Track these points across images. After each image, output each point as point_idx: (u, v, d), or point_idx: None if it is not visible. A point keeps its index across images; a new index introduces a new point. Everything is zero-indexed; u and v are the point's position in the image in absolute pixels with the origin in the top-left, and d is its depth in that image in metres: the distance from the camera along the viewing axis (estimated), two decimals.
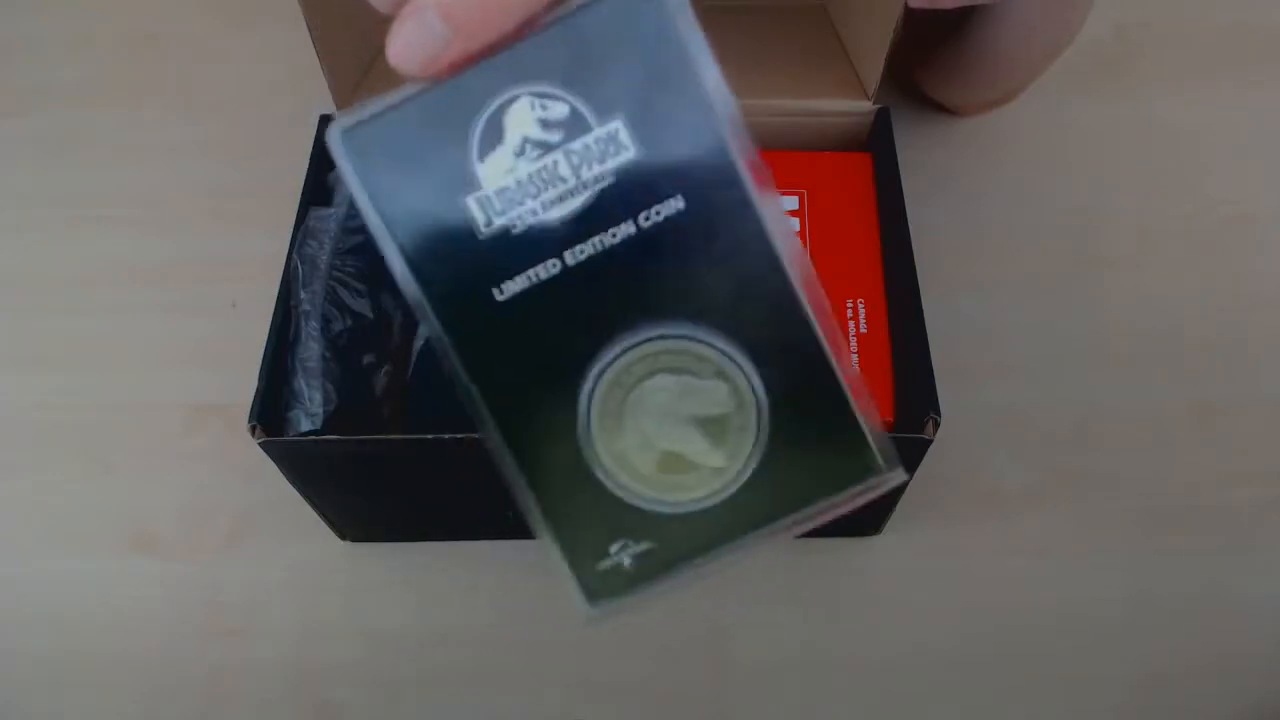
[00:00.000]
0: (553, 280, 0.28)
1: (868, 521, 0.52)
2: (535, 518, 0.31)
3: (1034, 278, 0.62)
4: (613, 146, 0.27)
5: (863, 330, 0.47)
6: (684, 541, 0.31)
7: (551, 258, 0.28)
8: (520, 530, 0.54)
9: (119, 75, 0.74)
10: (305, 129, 0.54)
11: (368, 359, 0.51)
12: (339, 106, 0.55)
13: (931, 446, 0.43)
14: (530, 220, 0.27)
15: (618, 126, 0.27)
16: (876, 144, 0.53)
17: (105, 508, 0.55)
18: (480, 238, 0.28)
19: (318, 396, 0.46)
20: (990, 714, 0.49)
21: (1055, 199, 0.65)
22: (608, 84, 0.27)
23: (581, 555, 0.31)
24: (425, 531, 0.53)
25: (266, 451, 0.44)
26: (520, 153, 0.27)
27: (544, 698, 0.49)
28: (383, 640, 0.51)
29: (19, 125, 0.72)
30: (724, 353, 0.29)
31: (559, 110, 0.27)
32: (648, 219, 0.28)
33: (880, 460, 0.31)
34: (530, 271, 0.28)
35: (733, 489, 0.30)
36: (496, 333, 0.28)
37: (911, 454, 0.44)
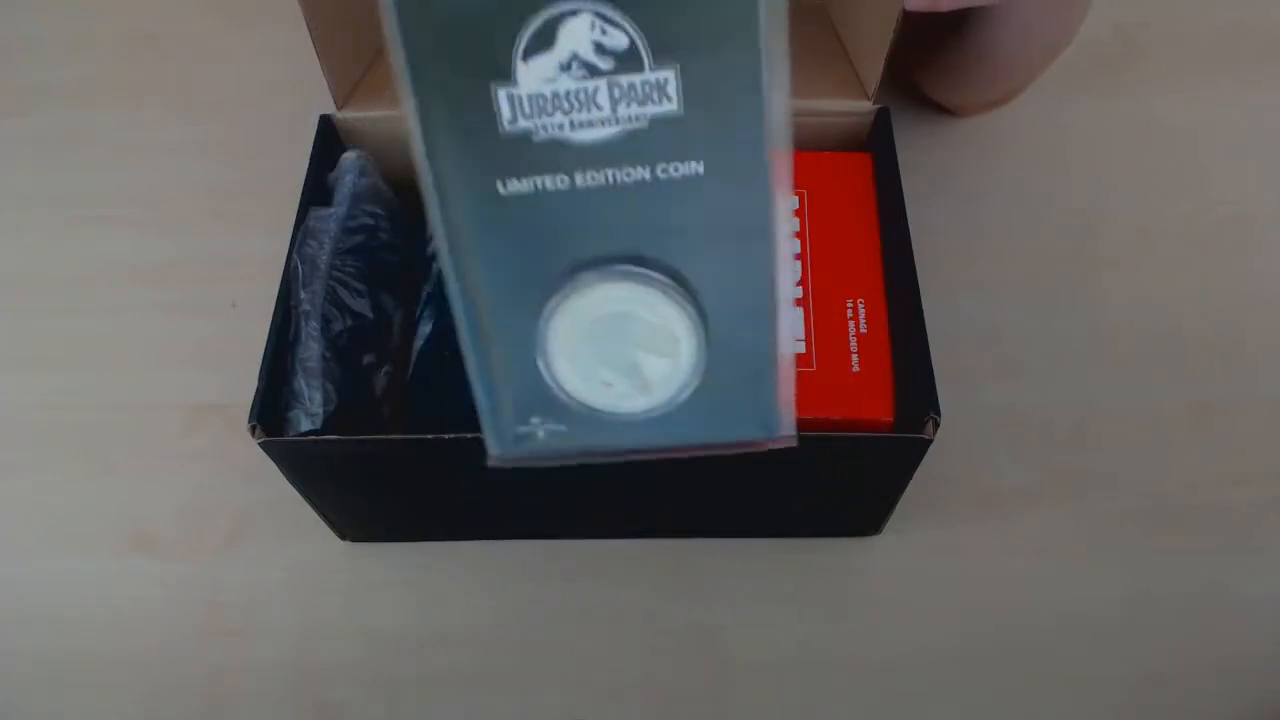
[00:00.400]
0: (557, 194, 0.29)
1: (868, 521, 0.52)
2: (474, 375, 0.33)
3: (1034, 278, 0.62)
4: (657, 94, 0.27)
5: (863, 330, 0.47)
6: (594, 437, 0.33)
7: (563, 174, 0.28)
8: (519, 530, 0.54)
9: (119, 75, 0.74)
10: (305, 129, 0.54)
11: (368, 359, 0.51)
12: (339, 106, 0.55)
13: (931, 446, 0.43)
14: (555, 134, 0.28)
15: (669, 77, 0.27)
16: (876, 144, 0.53)
17: (105, 508, 0.55)
18: (500, 132, 0.28)
19: (318, 396, 0.46)
20: (990, 713, 0.49)
21: (1055, 199, 0.65)
22: (675, 29, 0.26)
23: (504, 416, 0.33)
24: (425, 531, 0.53)
25: (266, 451, 0.44)
26: (566, 67, 0.27)
27: (544, 698, 0.49)
28: (383, 640, 0.51)
29: (19, 125, 0.72)
30: (686, 310, 0.30)
31: (618, 39, 0.27)
32: (665, 171, 0.28)
33: (778, 425, 0.34)
34: (539, 179, 0.28)
35: (651, 415, 0.33)
36: (489, 223, 0.29)
37: (911, 454, 0.44)
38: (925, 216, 0.51)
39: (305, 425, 0.45)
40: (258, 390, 0.44)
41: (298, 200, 0.51)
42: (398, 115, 0.61)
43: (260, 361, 0.45)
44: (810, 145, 0.55)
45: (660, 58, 0.27)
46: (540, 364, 0.32)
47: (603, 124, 0.28)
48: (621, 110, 0.28)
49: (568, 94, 0.27)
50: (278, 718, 0.49)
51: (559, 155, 0.28)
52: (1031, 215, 0.64)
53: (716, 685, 0.49)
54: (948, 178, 0.65)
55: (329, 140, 0.55)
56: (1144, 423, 0.56)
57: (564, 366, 0.32)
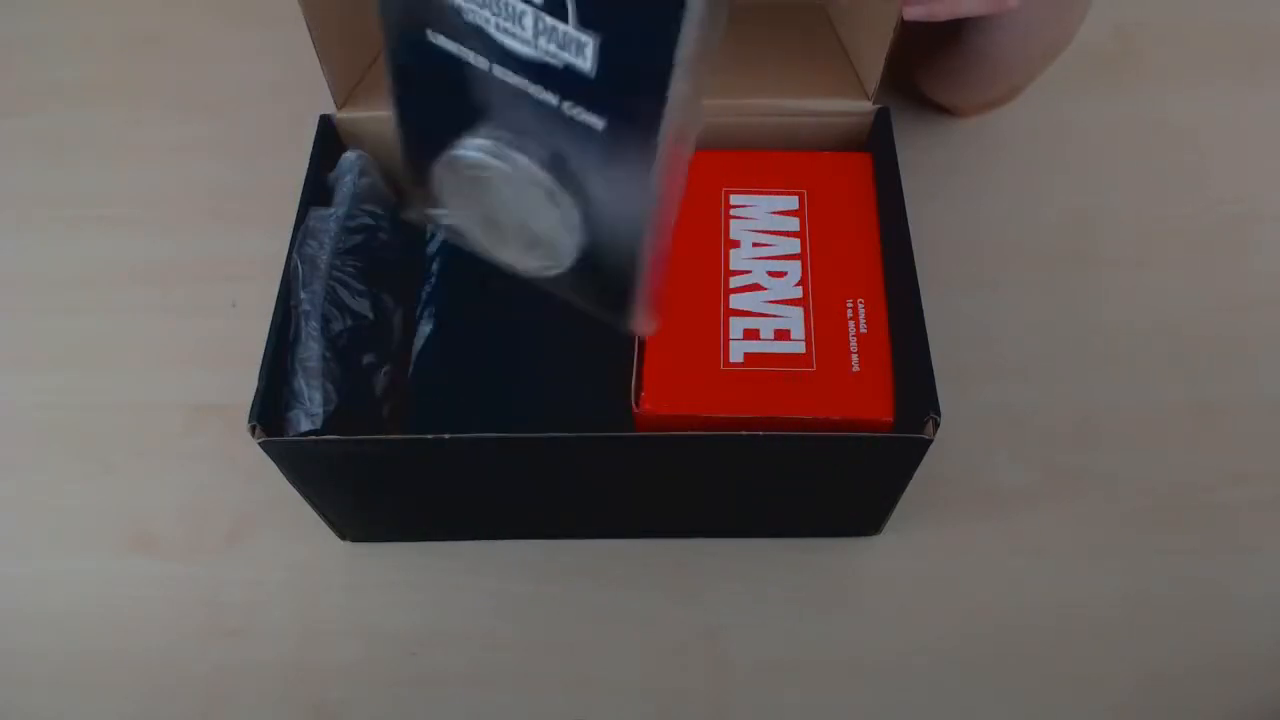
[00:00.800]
0: (474, 70, 0.32)
1: (868, 521, 0.52)
2: (402, 158, 0.37)
3: (1034, 278, 0.62)
4: (574, 49, 0.29)
5: (863, 330, 0.47)
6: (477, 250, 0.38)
7: (482, 57, 0.31)
8: (519, 530, 0.54)
9: (119, 75, 0.74)
10: (305, 129, 0.54)
11: (368, 359, 0.51)
12: (339, 106, 0.55)
13: (931, 446, 0.43)
14: (480, 24, 0.30)
15: (588, 41, 0.29)
16: (876, 144, 0.53)
17: (105, 508, 0.55)
18: None
19: (318, 396, 0.46)
20: (990, 713, 0.49)
21: (1055, 199, 0.65)
22: (604, 3, 0.28)
23: (420, 197, 0.38)
24: (425, 531, 0.53)
25: (266, 451, 0.44)
26: None
27: (544, 698, 0.49)
28: (383, 640, 0.51)
29: (19, 125, 0.72)
30: (564, 214, 0.34)
31: None
32: (570, 109, 0.31)
33: (632, 318, 0.36)
34: (461, 48, 0.31)
35: (522, 272, 0.37)
36: (417, 61, 0.33)
37: (911, 454, 0.44)
38: (925, 216, 0.51)
39: (305, 425, 0.46)
40: (258, 390, 0.44)
41: (298, 200, 0.51)
42: None
43: (260, 361, 0.45)
44: (810, 145, 0.55)
45: (584, 21, 0.28)
46: (436, 185, 0.36)
47: (523, 43, 0.30)
48: (541, 44, 0.29)
49: (497, 0, 0.29)
50: (278, 718, 0.49)
51: (483, 42, 0.31)
52: (1031, 215, 0.64)
53: (716, 685, 0.49)
54: (948, 178, 0.65)
55: (329, 140, 0.55)
56: (1144, 423, 0.56)
57: (456, 199, 0.37)
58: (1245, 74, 0.71)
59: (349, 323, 0.49)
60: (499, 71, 0.31)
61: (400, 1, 0.32)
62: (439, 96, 0.34)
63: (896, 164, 0.51)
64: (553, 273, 0.37)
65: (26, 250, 0.65)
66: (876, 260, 0.50)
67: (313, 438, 0.45)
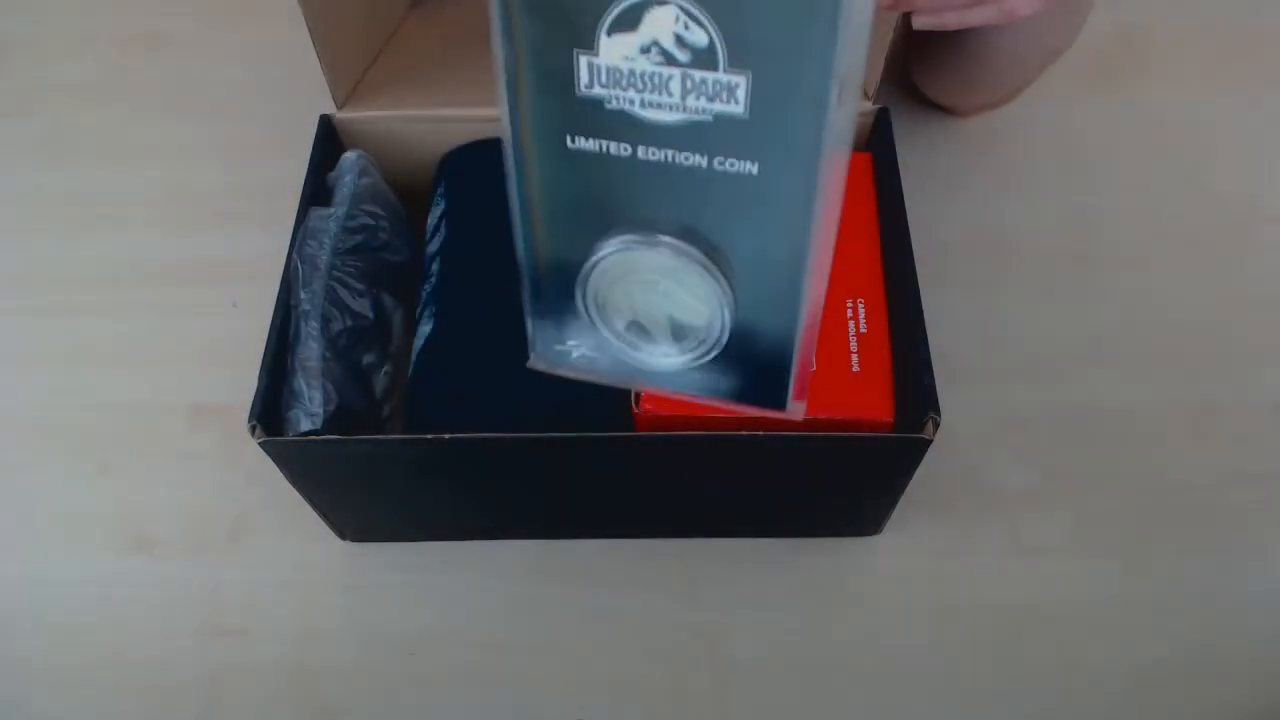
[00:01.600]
0: (618, 159, 0.31)
1: (868, 521, 0.52)
2: (526, 293, 0.36)
3: (1034, 278, 0.62)
4: (726, 95, 0.29)
5: (863, 330, 0.47)
6: (621, 369, 0.38)
7: (626, 143, 0.31)
8: (518, 531, 0.54)
9: (119, 75, 0.74)
10: (305, 129, 0.54)
11: (368, 359, 0.51)
12: (339, 107, 0.55)
13: (931, 446, 0.43)
14: (624, 106, 0.30)
15: (740, 82, 0.28)
16: (876, 144, 0.53)
17: (105, 508, 0.55)
18: (575, 93, 0.30)
19: (318, 396, 0.46)
20: (990, 712, 0.49)
21: (1055, 199, 0.65)
22: (754, 38, 0.27)
23: (547, 332, 0.37)
24: (425, 531, 0.53)
25: (266, 451, 0.44)
26: (645, 50, 0.29)
27: (544, 698, 0.49)
28: (382, 640, 0.51)
29: (19, 125, 0.72)
30: (718, 286, 0.33)
31: (698, 36, 0.28)
32: (721, 165, 0.30)
33: (788, 402, 0.36)
34: (604, 142, 0.31)
35: (672, 368, 0.37)
36: (555, 171, 0.32)
37: (911, 454, 0.44)
38: (925, 216, 0.51)
39: (305, 425, 0.45)
40: (258, 390, 0.44)
41: (298, 200, 0.51)
42: (398, 115, 0.61)
43: (260, 361, 0.45)
44: None
45: (735, 62, 0.28)
46: (580, 302, 0.35)
47: (670, 109, 0.29)
48: (690, 101, 0.29)
49: (643, 75, 0.29)
50: (278, 718, 0.49)
51: (625, 126, 0.30)
52: (1032, 215, 0.64)
53: (716, 685, 0.49)
54: (948, 178, 0.65)
55: (329, 140, 0.55)
56: (1144, 423, 0.56)
57: (601, 310, 0.36)
58: (1246, 74, 0.71)
59: (349, 323, 0.49)
60: (643, 152, 0.31)
61: (537, 115, 0.31)
62: (577, 211, 0.33)
63: (896, 164, 0.51)
64: (703, 361, 0.36)
65: (26, 250, 0.65)
66: (876, 260, 0.50)
67: (313, 438, 0.45)
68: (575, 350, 0.37)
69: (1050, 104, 0.67)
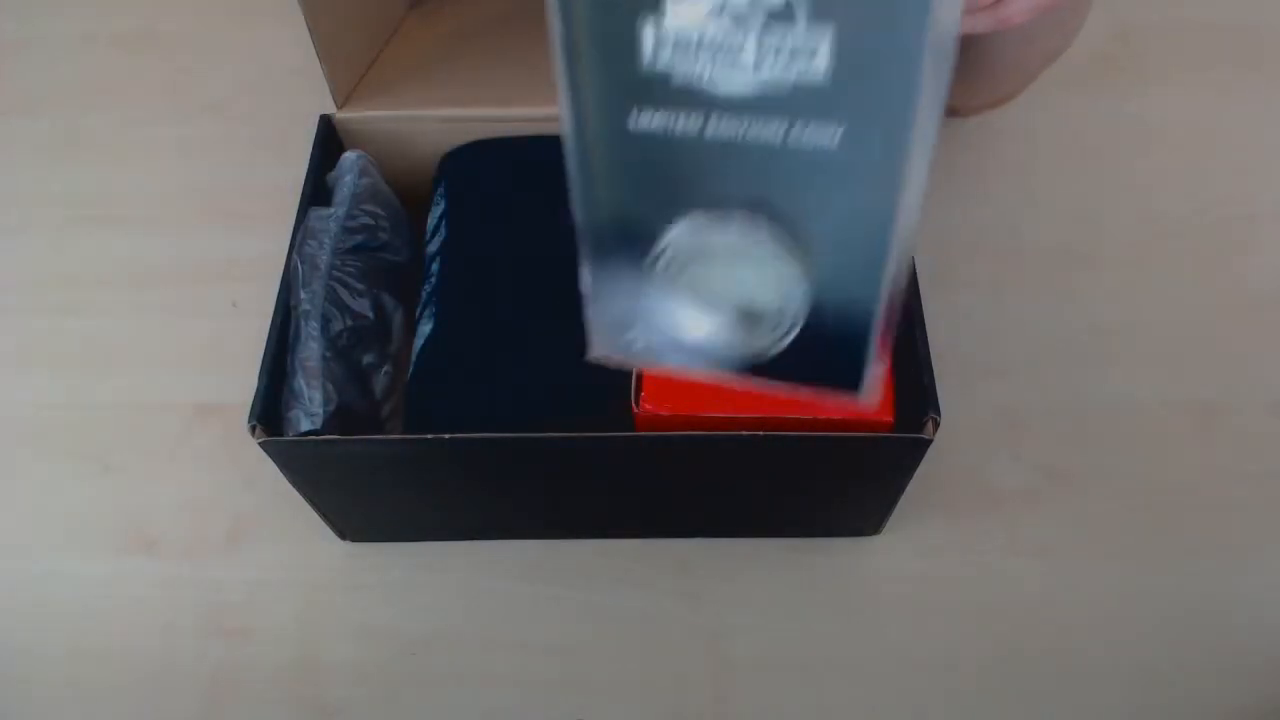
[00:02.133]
0: (685, 139, 0.29)
1: (868, 521, 0.52)
2: (588, 280, 0.34)
3: (1034, 277, 0.62)
4: (805, 57, 0.26)
5: None
6: (685, 359, 0.35)
7: (694, 119, 0.28)
8: (519, 531, 0.54)
9: (119, 75, 0.74)
10: (305, 129, 0.54)
11: (368, 359, 0.51)
12: (339, 106, 0.55)
13: (931, 446, 0.43)
14: (692, 80, 0.27)
15: (821, 42, 0.26)
16: None
17: (105, 508, 0.55)
18: (639, 68, 0.27)
19: (318, 396, 0.46)
20: (990, 712, 0.49)
21: (1055, 199, 0.65)
22: None
23: (609, 322, 0.35)
24: (425, 531, 0.53)
25: (266, 451, 0.44)
26: (717, 14, 0.26)
27: (544, 698, 0.49)
28: (383, 640, 0.51)
29: (19, 125, 0.72)
30: (794, 262, 0.31)
31: None
32: (797, 136, 0.28)
33: (866, 390, 0.34)
34: (670, 119, 0.28)
35: (737, 353, 0.34)
36: (617, 152, 0.30)
37: (911, 454, 0.44)
38: (925, 216, 0.51)
39: (305, 425, 0.46)
40: (258, 390, 0.44)
41: (298, 200, 0.51)
42: (398, 115, 0.61)
43: (260, 361, 0.45)
44: None
45: (817, 16, 0.25)
46: (645, 289, 0.33)
47: (743, 79, 0.27)
48: (765, 69, 0.27)
49: (713, 42, 0.27)
50: (278, 718, 0.49)
51: (692, 101, 0.28)
52: (1031, 215, 0.64)
53: (717, 685, 0.49)
54: (948, 178, 0.65)
55: (329, 140, 0.55)
56: (1144, 423, 0.56)
57: (668, 295, 0.33)
58: (1245, 74, 0.71)
59: (349, 323, 0.49)
60: (712, 127, 0.28)
61: (597, 93, 0.28)
62: (640, 194, 0.31)
63: None
64: (777, 346, 0.33)
65: (26, 250, 0.65)
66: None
67: (313, 438, 0.45)
68: (637, 342, 0.35)
69: (1050, 104, 0.67)
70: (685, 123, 0.28)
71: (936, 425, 0.42)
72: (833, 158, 0.28)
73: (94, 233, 0.66)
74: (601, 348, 0.36)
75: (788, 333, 0.33)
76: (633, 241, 0.32)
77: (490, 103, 0.56)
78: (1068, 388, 0.57)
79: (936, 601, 0.51)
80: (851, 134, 0.27)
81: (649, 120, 0.29)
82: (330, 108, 0.55)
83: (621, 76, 0.28)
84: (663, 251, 0.32)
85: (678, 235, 0.31)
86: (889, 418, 0.45)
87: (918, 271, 0.47)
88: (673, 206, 0.31)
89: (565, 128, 0.30)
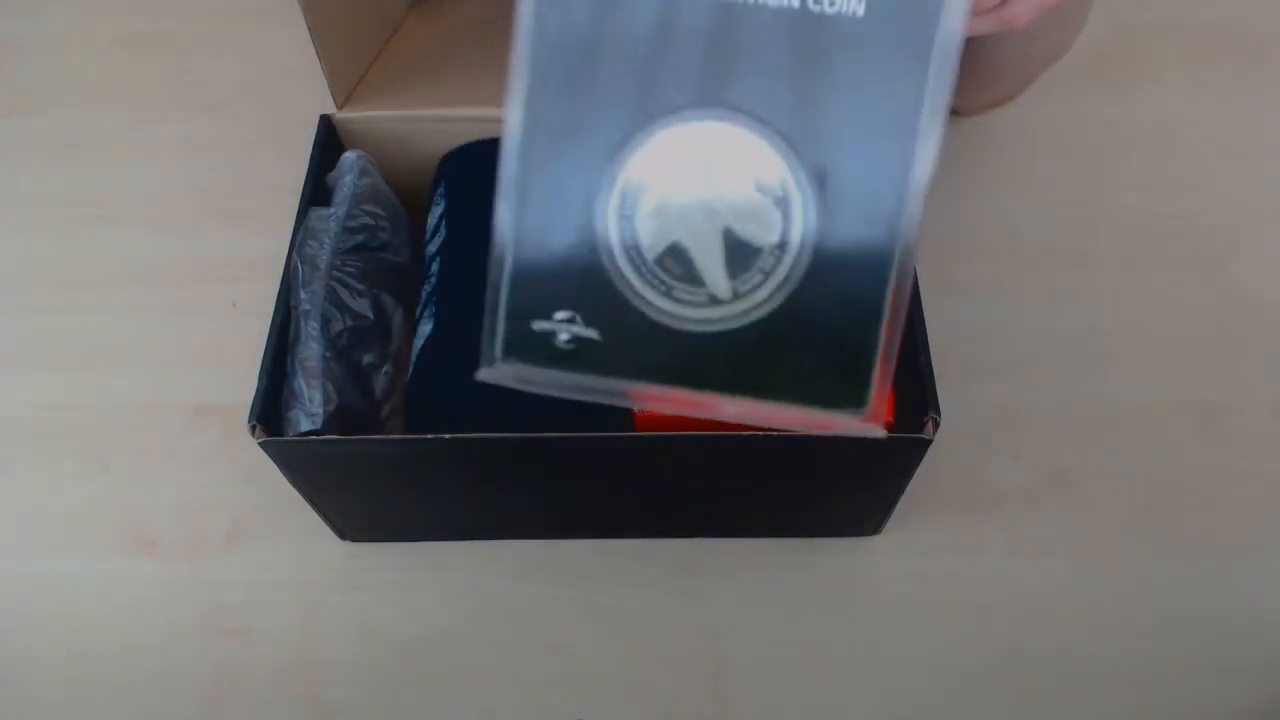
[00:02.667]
0: (686, 6, 0.24)
1: (868, 521, 0.52)
2: (504, 239, 0.25)
3: (1034, 277, 0.62)
4: None
5: None
6: (632, 353, 0.26)
7: None
8: (519, 531, 0.54)
9: (119, 75, 0.74)
10: (305, 129, 0.54)
11: (368, 359, 0.51)
12: (339, 107, 0.55)
13: (931, 446, 0.43)
14: None
15: None
16: None
17: (105, 508, 0.55)
18: None
19: (318, 396, 0.46)
20: (990, 712, 0.49)
21: (1056, 198, 0.65)
22: None
23: (524, 303, 0.26)
24: (425, 531, 0.53)
25: (266, 451, 0.44)
26: None
27: (544, 698, 0.49)
28: (383, 640, 0.51)
29: (19, 125, 0.72)
30: (801, 183, 0.25)
31: None
32: (818, 3, 0.24)
33: (870, 401, 0.26)
34: None
35: (715, 328, 0.25)
36: (604, 12, 0.24)
37: (911, 454, 0.44)
38: (925, 216, 0.51)
39: (305, 425, 0.45)
40: (258, 390, 0.44)
41: (298, 200, 0.51)
42: (398, 115, 0.61)
43: (260, 361, 0.45)
44: None
45: None
46: (596, 226, 0.25)
47: None
48: None
49: None
50: (278, 717, 0.49)
51: None
52: (1032, 215, 0.64)
53: (716, 685, 0.49)
54: (948, 178, 0.65)
55: (329, 140, 0.55)
56: (1144, 423, 0.56)
57: (626, 233, 0.25)
58: (1245, 74, 0.71)
59: (349, 323, 0.49)
60: None
61: None
62: (611, 66, 0.24)
63: None
64: (763, 309, 0.25)
65: (26, 250, 0.65)
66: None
67: (313, 438, 0.45)
68: (566, 330, 0.26)
69: (1050, 104, 0.67)
70: None
71: (936, 425, 0.42)
72: (860, 35, 0.23)
73: (94, 233, 0.66)
74: (502, 346, 0.27)
75: (781, 287, 0.25)
76: (587, 143, 0.24)
77: (490, 103, 0.55)
78: (1068, 388, 0.57)
79: (936, 601, 0.51)
80: (879, 8, 0.23)
81: None
82: (330, 108, 0.55)
83: None
84: (630, 152, 0.24)
85: (655, 128, 0.24)
86: (889, 417, 0.45)
87: (918, 272, 0.47)
88: (653, 91, 0.24)
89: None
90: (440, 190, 0.56)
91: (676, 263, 0.25)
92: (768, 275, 0.26)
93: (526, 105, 0.24)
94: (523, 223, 0.25)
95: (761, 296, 0.26)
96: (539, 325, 0.26)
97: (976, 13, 0.44)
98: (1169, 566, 0.52)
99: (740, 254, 0.25)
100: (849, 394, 0.26)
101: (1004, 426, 0.56)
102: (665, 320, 0.26)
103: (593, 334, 0.26)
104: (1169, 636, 0.50)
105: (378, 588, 0.52)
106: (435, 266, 0.53)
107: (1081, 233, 0.64)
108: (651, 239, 0.25)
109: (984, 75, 0.61)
